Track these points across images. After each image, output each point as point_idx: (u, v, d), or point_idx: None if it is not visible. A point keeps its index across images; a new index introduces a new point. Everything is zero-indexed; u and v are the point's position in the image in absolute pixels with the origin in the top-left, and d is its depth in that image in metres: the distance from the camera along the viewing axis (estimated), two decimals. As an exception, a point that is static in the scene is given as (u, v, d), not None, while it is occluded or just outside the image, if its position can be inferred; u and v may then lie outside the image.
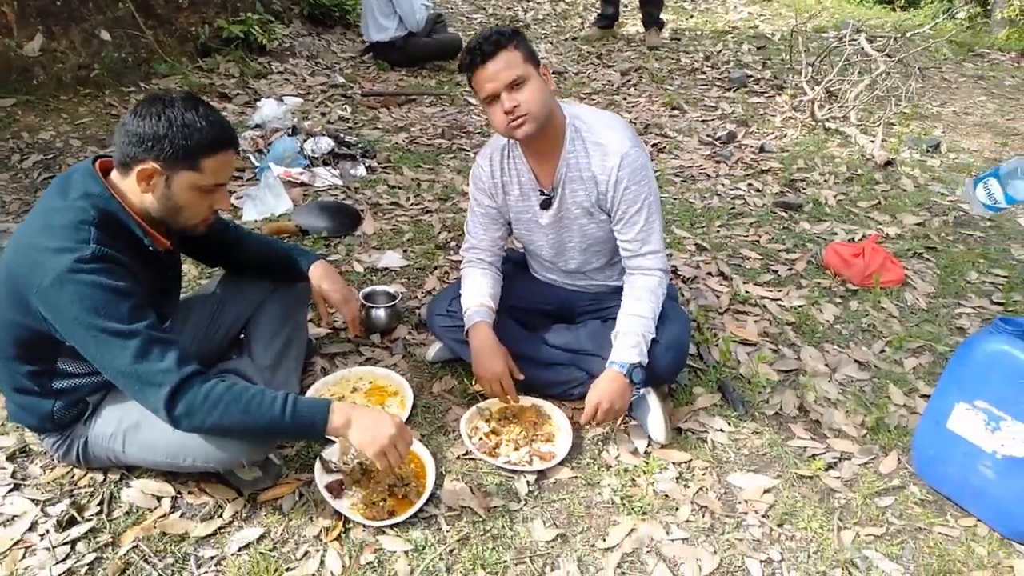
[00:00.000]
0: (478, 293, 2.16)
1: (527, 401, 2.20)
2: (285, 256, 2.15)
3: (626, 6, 7.18)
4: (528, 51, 1.91)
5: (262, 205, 3.25)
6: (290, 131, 3.81)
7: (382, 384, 2.29)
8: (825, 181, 3.92)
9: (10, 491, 1.87)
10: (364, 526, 1.80)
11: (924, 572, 1.76)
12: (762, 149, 4.31)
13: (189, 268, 2.77)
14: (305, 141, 3.71)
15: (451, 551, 1.75)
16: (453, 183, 3.70)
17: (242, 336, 2.21)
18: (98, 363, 1.60)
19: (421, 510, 1.84)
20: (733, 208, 3.61)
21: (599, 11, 6.73)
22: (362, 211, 3.33)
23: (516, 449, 2.05)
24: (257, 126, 4.05)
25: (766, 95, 5.30)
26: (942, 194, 3.82)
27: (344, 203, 3.37)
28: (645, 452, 2.06)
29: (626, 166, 1.97)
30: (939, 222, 3.52)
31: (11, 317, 1.65)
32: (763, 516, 1.88)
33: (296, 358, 2.23)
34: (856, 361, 2.49)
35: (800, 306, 2.80)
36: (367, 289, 2.63)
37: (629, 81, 5.56)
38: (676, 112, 4.97)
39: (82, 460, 1.87)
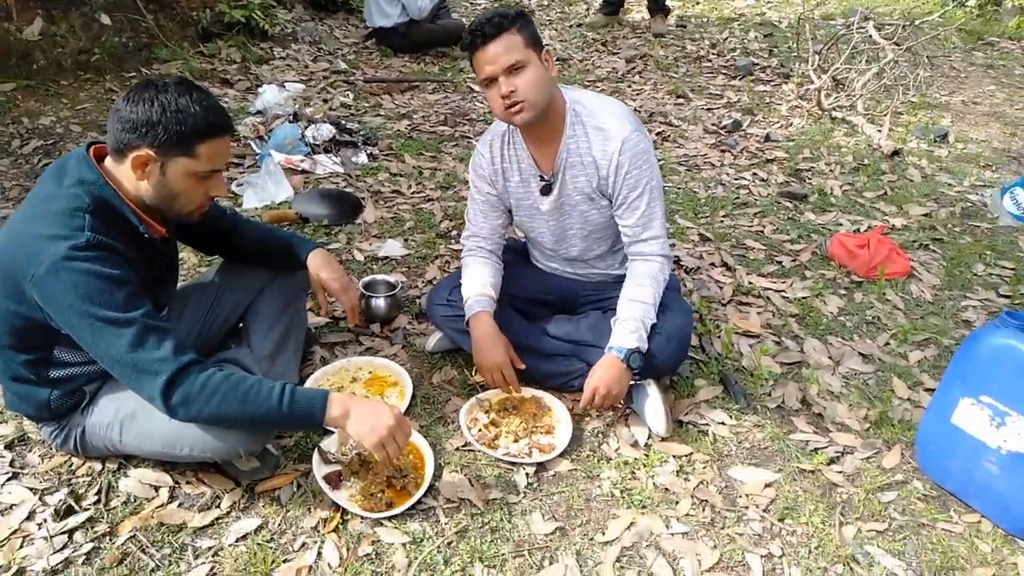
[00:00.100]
0: (479, 282, 2.15)
1: (527, 392, 2.18)
2: (283, 244, 2.13)
3: (631, -8, 7.12)
4: (531, 35, 1.89)
5: (262, 192, 3.23)
6: (291, 118, 3.78)
7: (382, 374, 2.28)
8: (831, 171, 3.88)
9: (8, 480, 1.86)
10: (362, 518, 1.79)
11: (927, 569, 1.74)
12: (767, 138, 4.27)
13: (188, 256, 2.75)
14: (306, 128, 3.68)
15: (449, 544, 1.74)
16: (455, 171, 3.67)
17: (241, 325, 2.19)
18: (94, 352, 1.59)
19: (419, 502, 1.83)
20: (737, 198, 3.58)
21: (604, -3, 6.67)
22: (363, 199, 3.31)
23: (515, 441, 2.04)
24: (258, 112, 4.02)
25: (772, 83, 5.25)
26: (949, 184, 3.78)
27: (345, 191, 3.35)
28: (645, 445, 2.05)
29: (627, 150, 1.95)
30: (946, 213, 3.48)
31: (6, 306, 1.64)
32: (764, 510, 1.86)
33: (295, 347, 2.21)
34: (860, 354, 2.47)
35: (804, 298, 2.77)
36: (367, 278, 2.61)
37: (634, 68, 5.50)
38: (681, 100, 4.92)
39: (80, 449, 1.87)
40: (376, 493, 1.84)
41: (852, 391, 2.30)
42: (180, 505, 1.82)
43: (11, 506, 1.79)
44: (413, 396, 2.19)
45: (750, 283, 2.84)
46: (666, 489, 1.92)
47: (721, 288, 2.81)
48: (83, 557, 1.68)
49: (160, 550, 1.70)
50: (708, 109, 4.77)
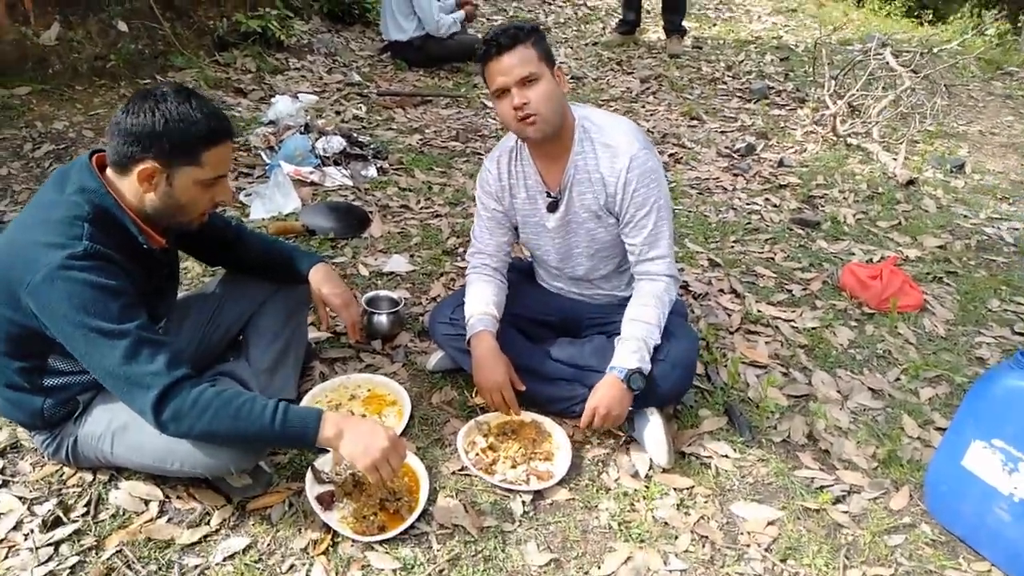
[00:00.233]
0: (482, 301, 2.12)
1: (527, 417, 2.14)
2: (286, 257, 2.11)
3: (648, 12, 7.12)
4: (545, 51, 1.89)
5: (270, 203, 3.22)
6: (303, 129, 3.78)
7: (380, 393, 2.25)
8: (844, 199, 3.83)
9: (-2, 488, 1.84)
10: (353, 541, 1.75)
11: (932, 616, 1.69)
12: (781, 163, 4.23)
13: (192, 265, 2.73)
14: (317, 140, 3.68)
15: (440, 571, 1.70)
16: (464, 187, 3.65)
17: (241, 337, 2.17)
18: (86, 362, 1.57)
19: (412, 527, 1.79)
20: (749, 223, 3.53)
21: (620, 16, 6.67)
22: (371, 213, 3.29)
23: (513, 467, 1.99)
24: (270, 122, 4.01)
25: (787, 108, 5.22)
26: (965, 216, 3.73)
27: (353, 204, 3.33)
28: (646, 476, 2.00)
29: (635, 168, 1.93)
30: (961, 245, 3.42)
31: (2, 312, 1.62)
32: (766, 550, 1.81)
33: (295, 362, 2.19)
34: (870, 389, 2.41)
35: (814, 328, 2.72)
36: (370, 294, 2.59)
37: (648, 89, 5.49)
38: (695, 122, 4.90)
39: (71, 459, 1.85)
40: (368, 516, 1.80)
41: (860, 427, 2.24)
42: (169, 520, 1.79)
43: (-1, 515, 1.77)
44: (411, 416, 2.16)
45: (759, 311, 2.80)
46: (665, 523, 1.87)
47: (729, 315, 2.76)
48: (68, 571, 1.65)
49: (146, 566, 1.67)
50: (722, 132, 4.74)
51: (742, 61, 6.16)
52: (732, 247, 3.30)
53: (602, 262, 2.16)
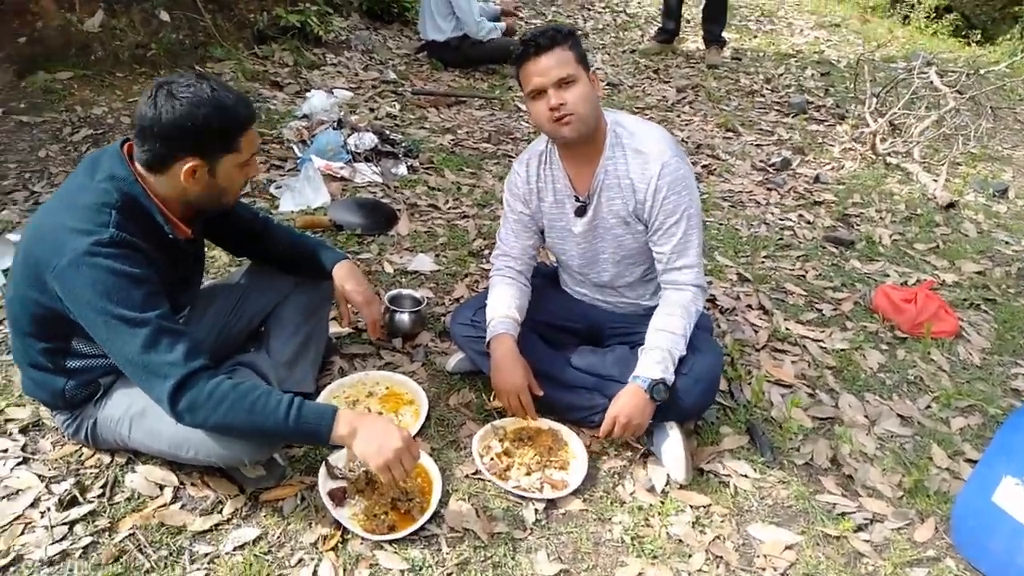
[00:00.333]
0: (504, 304, 2.10)
1: (544, 424, 2.12)
2: (311, 252, 2.11)
3: (688, 22, 7.06)
4: (581, 54, 1.88)
5: (300, 197, 3.23)
6: (335, 124, 3.79)
7: (399, 391, 2.24)
8: (881, 219, 3.75)
9: (19, 464, 1.87)
10: (362, 539, 1.74)
11: (953, 655, 1.63)
12: (817, 179, 4.16)
13: (219, 254, 2.75)
14: (349, 136, 3.69)
15: (449, 575, 1.68)
16: (493, 190, 3.63)
17: (263, 329, 2.18)
18: (107, 348, 1.58)
19: (423, 528, 1.78)
20: (781, 239, 3.47)
21: (660, 25, 6.61)
22: (398, 211, 3.29)
23: (528, 474, 1.97)
24: (304, 116, 4.04)
25: (826, 123, 5.13)
26: (1006, 243, 3.62)
27: (381, 201, 3.33)
28: (662, 491, 1.96)
29: (666, 175, 1.91)
30: (1001, 272, 3.33)
31: (29, 294, 1.64)
32: (782, 574, 1.76)
33: (314, 357, 2.19)
34: (899, 415, 2.35)
35: (843, 350, 2.66)
36: (393, 292, 2.58)
37: (684, 98, 5.43)
38: (730, 134, 4.83)
39: (90, 440, 1.86)
40: (379, 514, 1.79)
41: (887, 454, 2.18)
42: (183, 507, 1.80)
43: (18, 491, 1.79)
44: (428, 416, 2.14)
45: (787, 329, 2.74)
46: (680, 540, 1.83)
47: (756, 332, 2.71)
48: (80, 551, 1.66)
49: (157, 551, 1.68)
50: (757, 145, 4.67)
51: (782, 74, 6.07)
52: (762, 262, 3.24)
53: (627, 269, 2.13)
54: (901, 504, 2.01)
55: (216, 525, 1.75)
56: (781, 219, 3.69)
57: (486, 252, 3.05)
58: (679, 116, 5.10)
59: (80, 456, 1.90)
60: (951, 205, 3.92)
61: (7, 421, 1.98)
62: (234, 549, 1.70)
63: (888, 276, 3.21)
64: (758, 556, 1.81)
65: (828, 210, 3.81)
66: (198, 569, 1.65)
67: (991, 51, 7.75)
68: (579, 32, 6.72)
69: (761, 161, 4.40)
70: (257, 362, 2.02)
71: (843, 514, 1.95)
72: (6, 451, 1.89)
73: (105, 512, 1.76)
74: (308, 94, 4.32)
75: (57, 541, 1.67)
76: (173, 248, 1.72)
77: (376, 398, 2.21)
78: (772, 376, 2.46)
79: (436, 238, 3.17)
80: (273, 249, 2.11)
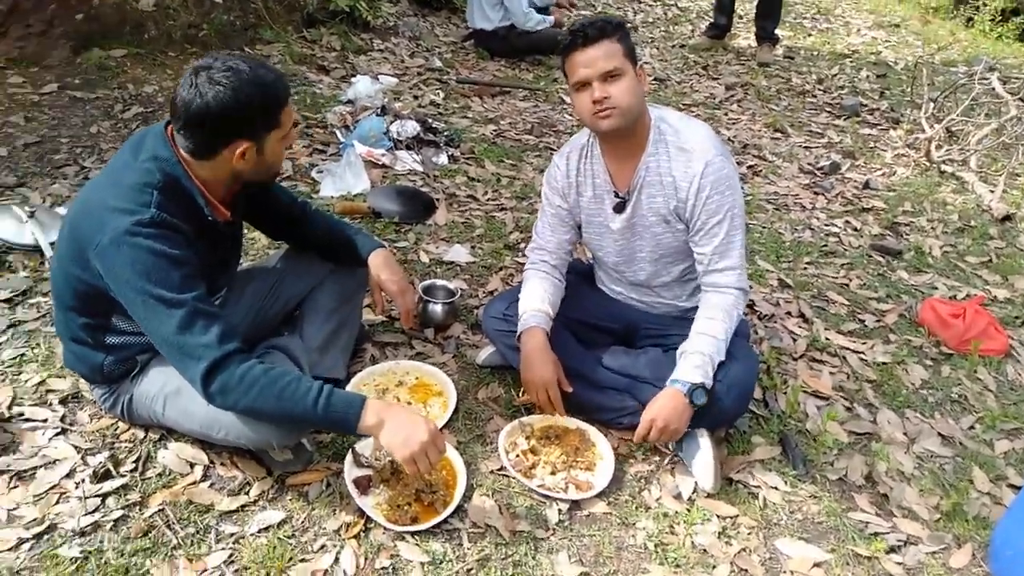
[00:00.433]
0: (536, 298, 2.09)
1: (572, 423, 2.10)
2: (347, 240, 2.12)
3: (741, 18, 6.93)
4: (629, 47, 1.85)
5: (340, 182, 3.25)
6: (379, 111, 3.80)
7: (428, 382, 2.24)
8: (932, 229, 3.63)
9: (57, 434, 1.91)
10: (385, 529, 1.74)
11: None
12: (867, 185, 4.04)
13: (259, 237, 2.78)
14: (392, 123, 3.69)
15: (469, 571, 1.68)
16: (533, 182, 3.61)
17: (297, 313, 2.19)
18: (144, 327, 1.61)
19: (445, 521, 1.78)
20: (825, 245, 3.39)
21: (711, 20, 6.50)
22: (437, 200, 3.29)
23: (553, 473, 1.96)
24: (349, 102, 4.06)
25: (879, 127, 4.98)
26: (1063, 260, 3.48)
27: (420, 190, 3.33)
28: (689, 499, 1.93)
29: (710, 174, 1.87)
30: (1056, 290, 3.20)
31: (72, 270, 1.67)
32: (808, 592, 1.73)
33: (346, 343, 2.20)
34: (940, 434, 2.27)
35: (885, 363, 2.58)
36: (427, 282, 2.58)
37: (733, 96, 5.33)
38: (779, 135, 4.73)
39: (126, 415, 1.90)
40: (403, 505, 1.80)
41: (925, 474, 2.11)
42: (211, 486, 1.83)
43: (55, 461, 1.84)
44: (455, 409, 2.14)
45: (827, 339, 2.67)
46: (704, 550, 1.80)
47: (794, 340, 2.65)
48: (111, 523, 1.70)
49: (184, 528, 1.71)
50: (806, 147, 4.56)
51: (835, 75, 5.92)
52: (805, 269, 3.17)
53: (665, 268, 2.10)
54: (937, 527, 1.95)
55: (243, 506, 1.78)
56: (826, 225, 3.59)
57: (522, 245, 3.03)
58: (726, 114, 5.00)
59: (116, 430, 1.94)
60: (1007, 218, 3.78)
61: (48, 392, 2.03)
62: (259, 531, 1.72)
63: (936, 289, 3.10)
64: (784, 572, 1.77)
65: (876, 217, 3.70)
66: (223, 548, 1.67)
67: (1059, 58, 7.44)
68: (629, 25, 6.65)
69: (809, 164, 4.30)
70: (290, 346, 2.03)
71: (876, 534, 1.89)
72: (46, 421, 1.93)
73: (137, 486, 1.79)
74: (353, 79, 4.33)
75: (89, 512, 1.71)
76: (212, 230, 1.74)
77: (405, 388, 2.21)
78: (809, 387, 2.41)
79: (473, 229, 3.16)
80: (311, 234, 2.13)
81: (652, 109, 1.97)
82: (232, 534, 1.71)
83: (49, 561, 1.59)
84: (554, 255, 2.17)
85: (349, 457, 1.89)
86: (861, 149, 4.58)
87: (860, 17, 7.84)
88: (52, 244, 2.48)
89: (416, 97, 4.46)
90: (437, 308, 2.47)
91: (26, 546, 1.62)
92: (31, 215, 2.55)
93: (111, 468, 1.82)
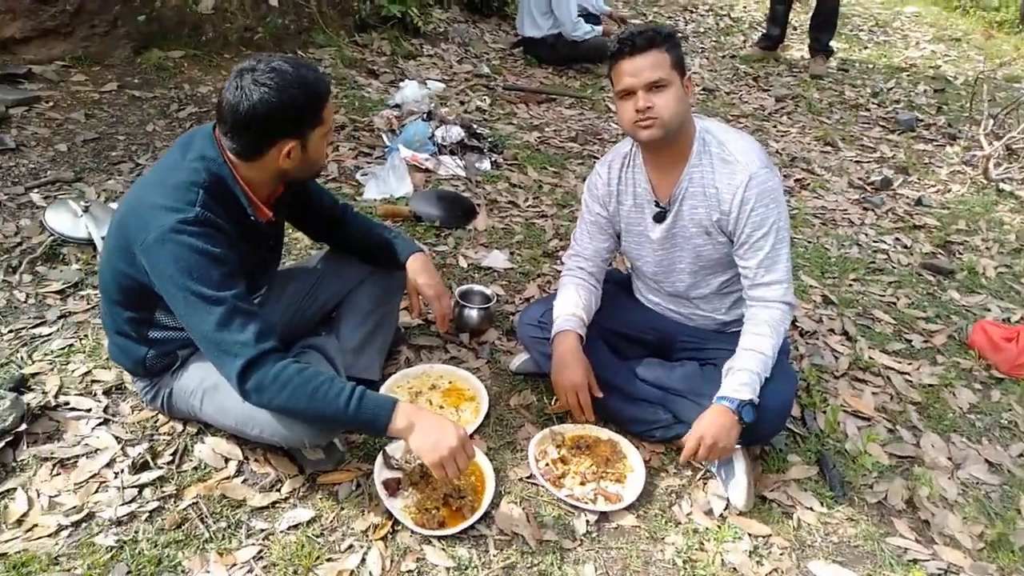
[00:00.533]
0: (571, 303, 2.08)
1: (605, 434, 2.08)
2: (385, 243, 2.14)
3: (795, 29, 6.82)
4: (678, 57, 1.84)
5: (384, 185, 3.28)
6: (425, 116, 3.84)
7: (461, 387, 2.24)
8: (987, 248, 3.51)
9: (99, 424, 1.97)
10: (412, 532, 1.75)
11: None
12: (919, 202, 3.93)
13: (302, 237, 2.83)
14: (437, 128, 3.73)
15: (493, 578, 1.68)
16: (575, 190, 3.60)
17: (335, 314, 2.22)
18: (185, 323, 1.64)
19: (472, 527, 1.78)
20: (873, 262, 3.30)
21: (764, 31, 6.40)
22: (478, 205, 3.30)
23: (582, 484, 1.94)
24: (396, 106, 4.11)
25: (935, 143, 4.84)
26: None
27: (461, 195, 3.35)
28: (720, 515, 1.90)
29: (754, 186, 1.84)
30: (1118, 317, 3.06)
31: (118, 265, 1.72)
32: (841, 618, 1.68)
33: (382, 345, 2.23)
34: (987, 461, 2.19)
35: (931, 385, 2.50)
36: (464, 287, 2.59)
37: (783, 108, 5.24)
38: (829, 148, 4.63)
39: (166, 408, 1.94)
40: (431, 509, 1.80)
41: (970, 502, 2.04)
42: (244, 481, 1.86)
43: (96, 450, 1.89)
44: (487, 415, 2.14)
45: (870, 358, 2.60)
46: (734, 569, 1.76)
47: (836, 359, 2.58)
48: (147, 514, 1.74)
49: (217, 522, 1.74)
50: (857, 162, 4.46)
51: (891, 88, 5.77)
52: (850, 286, 3.09)
53: (704, 280, 2.07)
54: (981, 557, 1.87)
55: (274, 503, 1.80)
56: (875, 241, 3.50)
57: (561, 253, 3.02)
58: (775, 127, 4.92)
59: (156, 422, 1.99)
60: (1068, 239, 3.63)
61: (94, 382, 2.09)
62: (288, 528, 1.74)
63: (989, 311, 2.99)
64: (817, 596, 1.73)
65: (928, 235, 3.59)
66: (253, 544, 1.70)
67: None
68: (679, 35, 6.58)
69: (859, 179, 4.20)
70: (326, 346, 2.05)
71: (915, 561, 1.83)
72: (89, 411, 1.99)
73: (173, 479, 1.84)
74: (401, 84, 4.39)
75: (126, 503, 1.75)
76: (254, 230, 1.78)
77: (438, 391, 2.22)
78: (849, 406, 2.34)
79: (512, 235, 3.17)
80: (351, 236, 2.16)
81: (697, 120, 1.95)
82: (263, 530, 1.74)
83: (85, 549, 1.64)
84: (591, 262, 2.16)
85: (380, 458, 1.90)
86: (915, 165, 4.45)
87: (919, 30, 7.64)
88: (103, 238, 2.56)
89: (462, 103, 4.49)
90: (473, 313, 2.48)
91: (65, 533, 1.67)
92: (85, 209, 2.64)
93: (149, 460, 1.87)
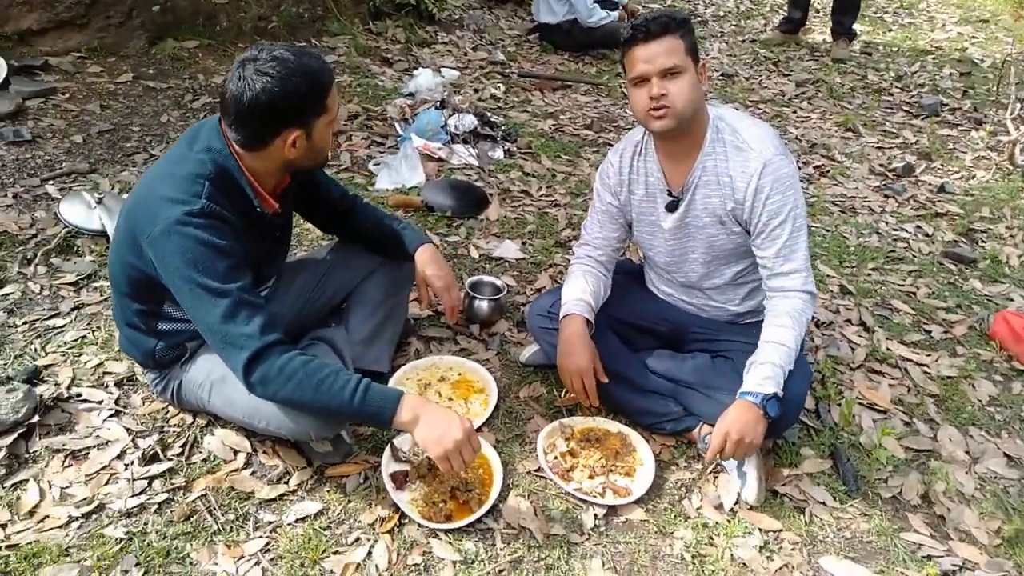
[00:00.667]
0: (579, 289, 2.06)
1: (615, 427, 2.07)
2: (394, 234, 2.14)
3: (817, 12, 6.69)
4: (692, 44, 1.80)
5: (396, 175, 3.27)
6: (438, 104, 3.82)
7: (470, 379, 2.23)
8: (1011, 236, 3.43)
9: (111, 416, 1.99)
10: (419, 525, 1.75)
11: None
12: (942, 189, 3.84)
13: (313, 228, 2.81)
14: (450, 116, 3.70)
15: (500, 572, 1.67)
16: (589, 179, 3.56)
17: (344, 305, 2.22)
18: (191, 315, 1.65)
19: (479, 520, 1.77)
20: (893, 251, 3.23)
21: (785, 14, 6.28)
22: (490, 195, 3.28)
23: (591, 477, 1.93)
24: (409, 94, 4.08)
25: (960, 128, 4.73)
26: None
27: (474, 184, 3.33)
28: (731, 510, 1.87)
29: (768, 174, 1.81)
30: None
31: (127, 257, 1.73)
32: (852, 615, 1.65)
33: (391, 336, 2.23)
34: (1006, 455, 2.14)
35: (950, 377, 2.45)
36: (475, 278, 2.58)
37: (804, 93, 5.14)
38: (850, 134, 4.54)
39: (175, 400, 1.96)
40: (438, 502, 1.80)
41: (987, 496, 2.00)
42: (253, 473, 1.87)
43: (107, 442, 1.91)
44: (496, 407, 2.13)
45: (888, 350, 2.55)
46: (744, 564, 1.74)
47: (853, 350, 2.53)
48: (156, 506, 1.75)
49: (225, 514, 1.75)
50: (879, 147, 4.37)
51: (915, 72, 5.64)
52: (869, 275, 3.03)
53: (717, 270, 2.04)
54: (997, 553, 1.84)
55: (282, 495, 1.81)
56: (895, 229, 3.43)
57: (573, 243, 2.97)
58: (795, 112, 4.84)
59: (166, 414, 2.00)
60: (1097, 226, 3.54)
61: (105, 374, 2.11)
62: (296, 521, 1.75)
63: (1012, 301, 2.93)
64: (828, 592, 1.70)
65: (950, 223, 3.52)
66: (260, 536, 1.70)
67: None
68: (697, 19, 6.50)
69: (881, 165, 4.11)
70: (335, 338, 2.05)
71: (929, 557, 1.80)
72: (101, 403, 2.01)
73: (182, 471, 1.85)
74: (415, 72, 4.36)
75: (136, 494, 1.77)
76: (260, 221, 1.77)
77: (448, 383, 2.21)
78: (865, 399, 2.30)
79: (525, 225, 3.14)
80: (359, 227, 2.15)
81: (711, 107, 1.91)
82: (270, 522, 1.74)
83: (95, 540, 1.65)
84: (600, 251, 2.13)
85: (387, 451, 1.90)
86: (938, 151, 4.35)
87: (946, 12, 7.45)
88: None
89: (477, 90, 4.46)
90: (483, 304, 2.47)
91: (75, 524, 1.68)
92: (99, 201, 2.66)
93: (159, 452, 1.88)
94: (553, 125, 4.20)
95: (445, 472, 1.70)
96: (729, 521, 1.85)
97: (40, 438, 1.88)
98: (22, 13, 3.72)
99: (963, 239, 3.39)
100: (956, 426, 2.24)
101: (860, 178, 3.95)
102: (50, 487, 1.77)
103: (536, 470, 1.95)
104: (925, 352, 2.57)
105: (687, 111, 1.79)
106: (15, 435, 1.84)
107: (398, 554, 1.69)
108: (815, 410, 2.23)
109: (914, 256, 3.22)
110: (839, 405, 2.24)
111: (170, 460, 1.87)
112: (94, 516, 1.71)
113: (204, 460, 1.89)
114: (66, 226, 2.62)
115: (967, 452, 2.15)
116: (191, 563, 1.63)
